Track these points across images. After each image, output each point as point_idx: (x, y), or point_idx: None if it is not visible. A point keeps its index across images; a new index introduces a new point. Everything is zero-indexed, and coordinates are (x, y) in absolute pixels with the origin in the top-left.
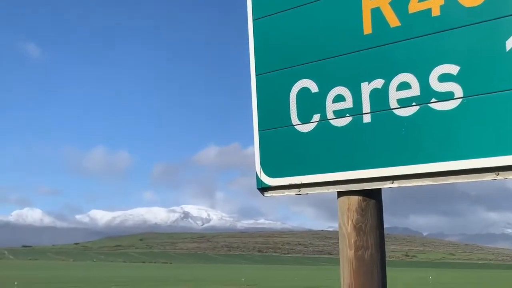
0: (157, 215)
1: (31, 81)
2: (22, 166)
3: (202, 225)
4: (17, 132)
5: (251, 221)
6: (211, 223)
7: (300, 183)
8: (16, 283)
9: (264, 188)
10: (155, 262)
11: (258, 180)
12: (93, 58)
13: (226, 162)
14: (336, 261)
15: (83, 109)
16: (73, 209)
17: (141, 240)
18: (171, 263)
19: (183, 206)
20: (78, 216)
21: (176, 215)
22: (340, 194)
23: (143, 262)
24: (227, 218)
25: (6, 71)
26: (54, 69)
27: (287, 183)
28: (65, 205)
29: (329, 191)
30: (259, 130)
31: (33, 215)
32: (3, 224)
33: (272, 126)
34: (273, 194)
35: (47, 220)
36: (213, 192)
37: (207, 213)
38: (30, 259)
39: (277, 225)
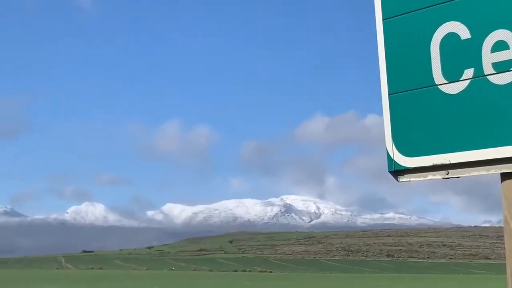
0: (250, 209)
1: (85, 37)
2: (77, 150)
3: (310, 221)
4: (69, 107)
5: (376, 216)
6: (322, 218)
7: (448, 163)
8: None
9: (398, 171)
10: (249, 271)
11: (390, 160)
12: (161, 18)
13: (337, 138)
14: (498, 268)
15: (150, 76)
16: (144, 203)
17: (230, 242)
18: (271, 271)
19: (283, 197)
20: (150, 213)
21: (275, 209)
22: (505, 176)
23: (235, 271)
24: (343, 212)
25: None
26: (111, 27)
27: (430, 164)
28: (133, 198)
29: (489, 172)
30: (389, 94)
31: (94, 212)
32: (57, 225)
33: (408, 87)
34: (412, 179)
35: (112, 218)
36: (322, 178)
37: (315, 205)
38: (92, 268)
39: (412, 220)
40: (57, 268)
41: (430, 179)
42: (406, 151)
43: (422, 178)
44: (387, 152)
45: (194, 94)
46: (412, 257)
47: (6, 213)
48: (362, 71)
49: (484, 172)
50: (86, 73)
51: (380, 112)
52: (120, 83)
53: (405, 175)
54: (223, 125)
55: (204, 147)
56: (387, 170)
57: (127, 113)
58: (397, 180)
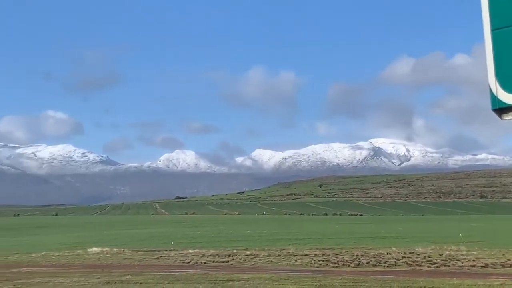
0: (338, 153)
1: None
2: (166, 99)
3: (400, 164)
4: (157, 58)
5: (468, 157)
6: (412, 161)
7: None
8: (172, 242)
9: (502, 109)
10: (340, 214)
11: (493, 98)
12: None
13: (425, 79)
14: None
15: (233, 23)
16: (233, 149)
17: (320, 186)
18: (361, 215)
19: (372, 140)
20: (239, 159)
21: (364, 153)
22: None
23: (325, 214)
24: (434, 154)
25: None
26: None
27: None
28: (223, 145)
29: None
30: (492, 30)
31: (185, 159)
32: (151, 172)
33: None
34: None
35: (203, 165)
36: (410, 120)
37: (405, 148)
38: (186, 213)
39: (506, 161)
40: (153, 214)
41: None
42: (511, 88)
43: None
44: (490, 89)
45: (277, 39)
46: (506, 198)
47: (102, 161)
48: (449, 11)
49: None
50: (171, 25)
51: (468, 52)
52: (204, 32)
53: (509, 113)
54: (308, 70)
55: (290, 92)
56: (490, 108)
57: (213, 61)
58: (500, 118)
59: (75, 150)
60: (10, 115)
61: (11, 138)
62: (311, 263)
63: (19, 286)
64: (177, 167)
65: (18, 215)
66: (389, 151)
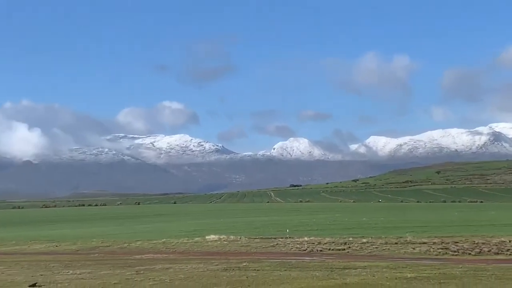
0: (456, 139)
1: None
2: (278, 87)
3: None
4: (267, 47)
5: None
6: None
7: None
8: (288, 230)
9: None
10: (459, 201)
11: None
12: None
13: None
14: None
15: (357, 9)
16: (346, 137)
17: (437, 173)
18: (481, 201)
19: (491, 125)
20: (353, 146)
21: (484, 138)
22: None
23: (443, 202)
24: None
25: None
26: None
27: None
28: (336, 132)
29: None
30: None
31: (299, 147)
32: (265, 161)
33: None
34: None
35: (316, 153)
36: None
37: None
38: (300, 201)
39: None
40: (267, 202)
41: None
42: None
43: None
44: None
45: (390, 23)
46: None
47: (217, 150)
48: None
49: None
50: (282, 12)
51: None
52: (316, 18)
53: None
54: (422, 54)
55: (404, 77)
56: None
57: (325, 48)
58: None
59: (191, 139)
60: (129, 107)
61: (130, 129)
62: (429, 251)
63: (142, 272)
64: (291, 155)
65: (139, 203)
66: (510, 136)
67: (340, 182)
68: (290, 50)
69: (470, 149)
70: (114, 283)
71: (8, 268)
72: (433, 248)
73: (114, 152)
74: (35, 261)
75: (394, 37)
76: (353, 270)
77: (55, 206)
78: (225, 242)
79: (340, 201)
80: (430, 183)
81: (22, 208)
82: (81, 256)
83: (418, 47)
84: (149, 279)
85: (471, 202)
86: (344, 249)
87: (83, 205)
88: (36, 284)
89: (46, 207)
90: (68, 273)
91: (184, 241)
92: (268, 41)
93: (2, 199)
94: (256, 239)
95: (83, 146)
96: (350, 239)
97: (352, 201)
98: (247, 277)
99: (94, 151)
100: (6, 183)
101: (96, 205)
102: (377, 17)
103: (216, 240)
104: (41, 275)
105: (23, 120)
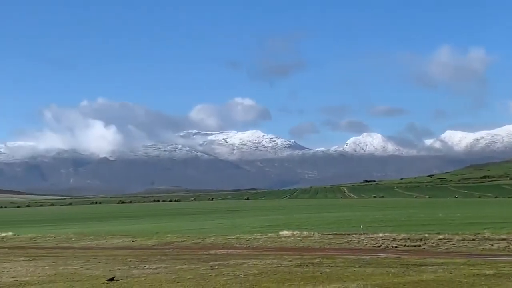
0: None
1: None
2: (350, 83)
3: None
4: (340, 43)
5: None
6: None
7: None
8: (362, 226)
9: None
10: None
11: None
12: None
13: None
14: None
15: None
16: (421, 131)
17: None
18: None
19: None
20: (427, 141)
21: None
22: None
23: None
24: None
25: None
26: None
27: None
28: (410, 127)
29: None
30: None
31: (372, 142)
32: (337, 156)
33: None
34: None
35: (390, 148)
36: None
37: None
38: (374, 197)
39: None
40: (341, 198)
41: None
42: None
43: None
44: None
45: (464, 17)
46: None
47: (289, 146)
48: None
49: None
50: (351, 6)
51: None
52: (387, 13)
53: None
54: (498, 46)
55: (480, 70)
56: None
57: (398, 41)
58: None
59: (263, 135)
60: (201, 103)
61: (203, 126)
62: (509, 248)
63: (216, 267)
64: (364, 151)
65: (212, 199)
66: None
67: (415, 177)
68: (362, 45)
69: None
70: (189, 278)
71: (86, 262)
72: None
73: (188, 149)
74: (112, 256)
75: (468, 30)
76: (430, 267)
77: (130, 202)
78: (299, 238)
79: (415, 197)
80: (508, 178)
81: (100, 203)
82: (156, 251)
83: (494, 39)
84: (223, 274)
85: None
86: (420, 246)
87: (158, 201)
88: (114, 278)
89: (122, 202)
90: (144, 267)
91: (258, 236)
92: (340, 37)
93: (82, 195)
94: (329, 235)
95: (157, 143)
96: (426, 235)
97: (427, 196)
98: (321, 273)
99: (168, 148)
100: (84, 179)
101: (171, 201)
102: (450, 10)
103: (289, 236)
104: (118, 269)
105: (99, 117)
